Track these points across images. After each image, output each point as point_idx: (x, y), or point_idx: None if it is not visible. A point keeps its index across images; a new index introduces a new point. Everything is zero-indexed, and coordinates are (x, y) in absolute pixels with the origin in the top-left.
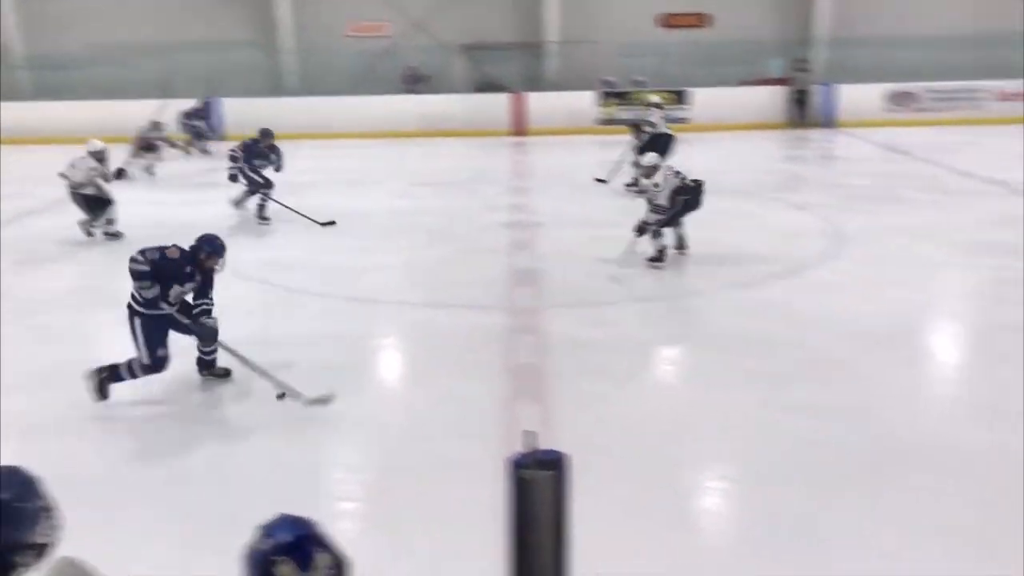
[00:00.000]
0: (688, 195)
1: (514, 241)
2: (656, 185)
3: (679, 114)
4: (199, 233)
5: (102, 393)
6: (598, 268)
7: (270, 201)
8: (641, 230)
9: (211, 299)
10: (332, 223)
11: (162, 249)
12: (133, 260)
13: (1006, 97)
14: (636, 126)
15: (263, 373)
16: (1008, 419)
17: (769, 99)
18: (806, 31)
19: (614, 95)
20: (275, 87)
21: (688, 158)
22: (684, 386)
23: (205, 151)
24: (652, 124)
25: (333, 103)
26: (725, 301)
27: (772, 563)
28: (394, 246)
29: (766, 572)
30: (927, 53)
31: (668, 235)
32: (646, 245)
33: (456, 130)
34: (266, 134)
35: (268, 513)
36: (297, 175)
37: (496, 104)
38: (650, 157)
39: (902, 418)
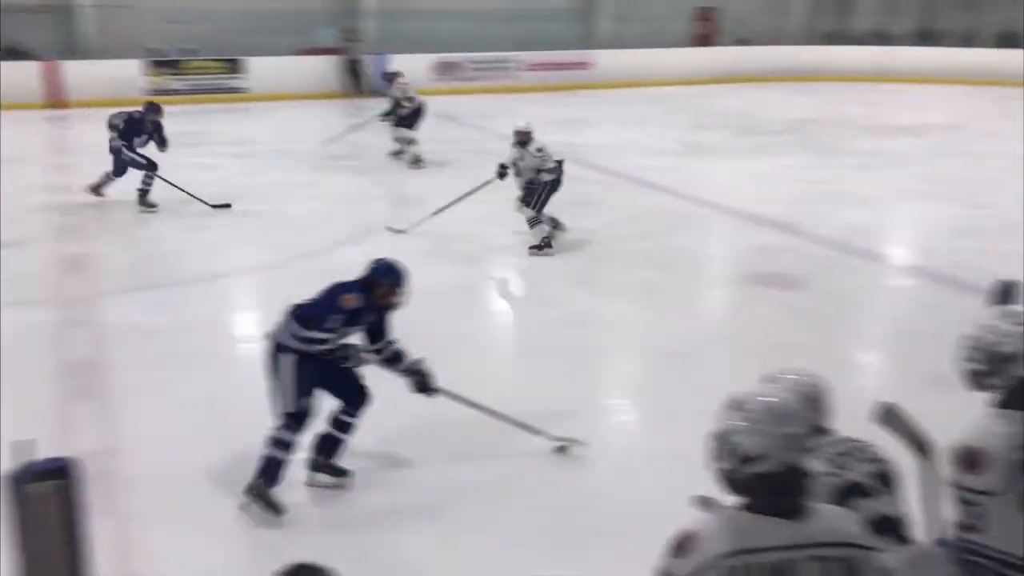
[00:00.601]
0: (553, 175)
1: (60, 226)
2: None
3: (235, 84)
4: None
5: (276, 509)
6: (157, 248)
7: (153, 185)
8: (532, 213)
9: (395, 338)
10: (227, 205)
11: (338, 288)
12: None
13: (533, 67)
14: (397, 104)
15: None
16: (553, 351)
17: (324, 69)
18: (354, 2)
19: (164, 64)
20: None
21: (247, 128)
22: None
23: None
24: (411, 99)
25: None
26: (293, 271)
27: (351, 533)
28: None
29: (342, 542)
30: (467, 25)
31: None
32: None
33: None
34: (154, 108)
35: None
36: None
37: (25, 73)
38: (523, 122)
39: (467, 368)
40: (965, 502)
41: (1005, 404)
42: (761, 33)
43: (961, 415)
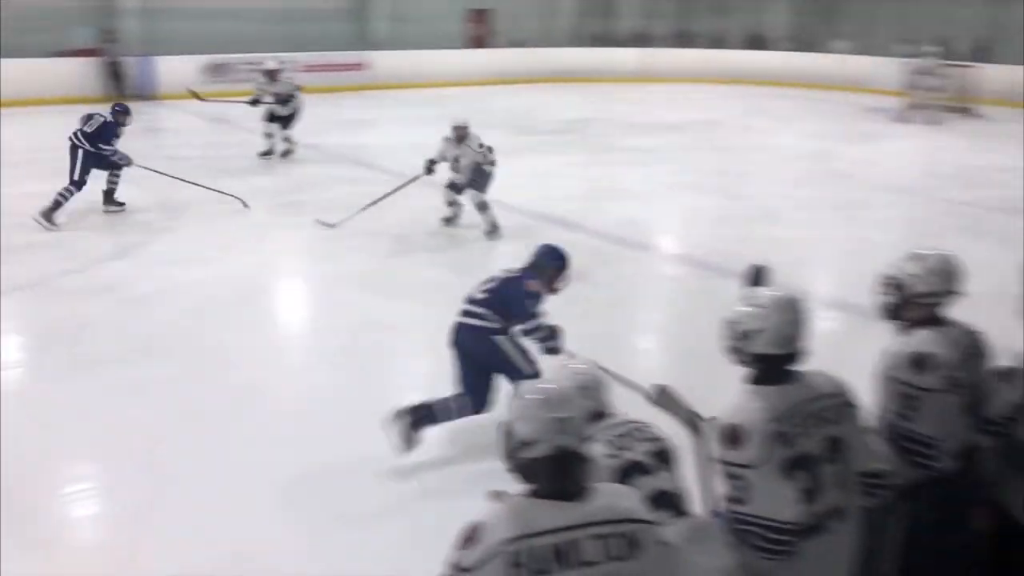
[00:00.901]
0: (493, 165)
1: None
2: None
3: None
4: None
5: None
6: None
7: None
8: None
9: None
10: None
11: (519, 276)
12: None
13: (309, 68)
14: (282, 100)
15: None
16: (350, 357)
17: (81, 71)
18: (111, 1)
19: None
20: None
21: None
22: (28, 386)
23: None
24: (295, 95)
25: None
26: (52, 290)
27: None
28: None
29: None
30: (237, 26)
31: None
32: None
33: None
34: (125, 110)
35: None
36: None
37: None
38: (460, 118)
39: (254, 373)
40: (731, 476)
41: (757, 380)
42: (533, 35)
43: (729, 392)
